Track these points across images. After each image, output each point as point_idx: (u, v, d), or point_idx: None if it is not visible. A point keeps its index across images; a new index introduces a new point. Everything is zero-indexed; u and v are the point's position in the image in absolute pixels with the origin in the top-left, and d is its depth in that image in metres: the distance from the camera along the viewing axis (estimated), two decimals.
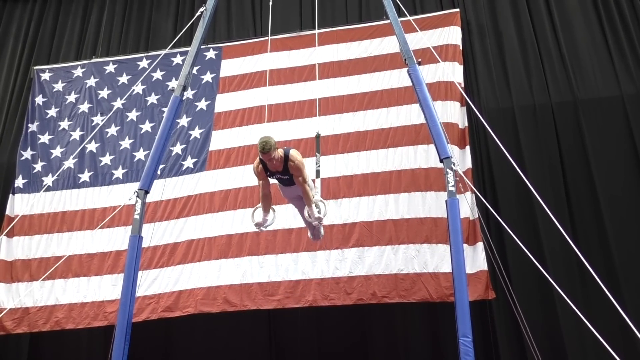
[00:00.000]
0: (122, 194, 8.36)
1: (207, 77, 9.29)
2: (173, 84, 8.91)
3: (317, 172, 5.95)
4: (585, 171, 7.76)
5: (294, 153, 5.33)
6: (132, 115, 9.28)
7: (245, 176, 8.19)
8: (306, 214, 5.59)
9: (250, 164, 8.25)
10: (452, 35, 8.57)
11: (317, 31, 7.81)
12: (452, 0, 9.22)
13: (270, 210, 5.64)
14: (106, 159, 9.01)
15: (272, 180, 5.56)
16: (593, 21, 8.59)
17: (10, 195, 8.95)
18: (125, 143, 9.07)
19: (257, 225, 5.62)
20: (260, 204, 5.62)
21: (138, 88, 9.24)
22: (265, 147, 5.10)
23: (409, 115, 8.15)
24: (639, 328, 4.60)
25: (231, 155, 8.52)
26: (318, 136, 6.21)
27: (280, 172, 5.36)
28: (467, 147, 7.83)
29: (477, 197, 7.07)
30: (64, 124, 9.45)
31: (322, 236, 6.20)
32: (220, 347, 8.37)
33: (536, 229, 7.46)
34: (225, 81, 9.22)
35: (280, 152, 5.24)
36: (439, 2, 9.32)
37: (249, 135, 8.51)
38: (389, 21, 6.30)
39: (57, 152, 9.23)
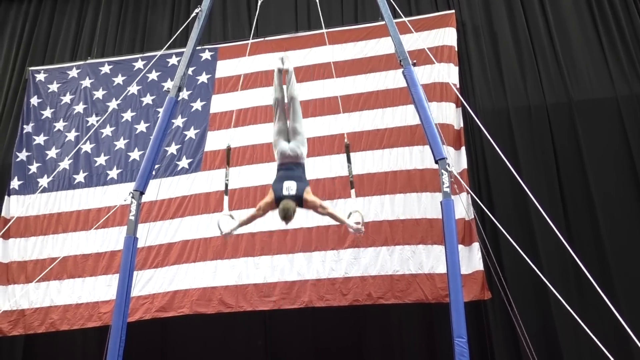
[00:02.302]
0: (117, 195, 8.34)
1: (203, 77, 9.29)
2: (168, 84, 8.92)
3: (351, 183, 5.93)
4: (579, 172, 7.78)
5: (307, 196, 5.43)
6: (127, 115, 9.26)
7: (240, 177, 8.19)
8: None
9: (245, 165, 8.33)
10: (447, 36, 8.58)
11: (317, 32, 7.81)
12: (447, 1, 9.24)
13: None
14: (101, 160, 8.99)
15: None
16: (587, 22, 8.63)
17: (6, 196, 8.91)
18: (120, 143, 9.06)
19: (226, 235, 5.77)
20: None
21: (133, 89, 9.22)
22: (287, 214, 5.31)
23: (405, 116, 8.16)
24: (632, 328, 4.62)
25: None
26: (347, 146, 6.17)
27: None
28: (463, 148, 7.85)
29: (472, 198, 7.08)
30: (59, 125, 9.42)
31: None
32: (216, 347, 8.35)
33: (531, 230, 7.48)
34: (220, 82, 9.21)
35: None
36: (434, 3, 9.35)
37: (244, 136, 8.52)
38: (384, 22, 6.31)
39: (52, 153, 9.21)
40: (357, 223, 5.60)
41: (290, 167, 5.61)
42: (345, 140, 6.16)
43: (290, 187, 5.38)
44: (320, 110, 8.43)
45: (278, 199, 5.39)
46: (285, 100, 5.88)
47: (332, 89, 8.62)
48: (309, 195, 5.44)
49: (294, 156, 5.65)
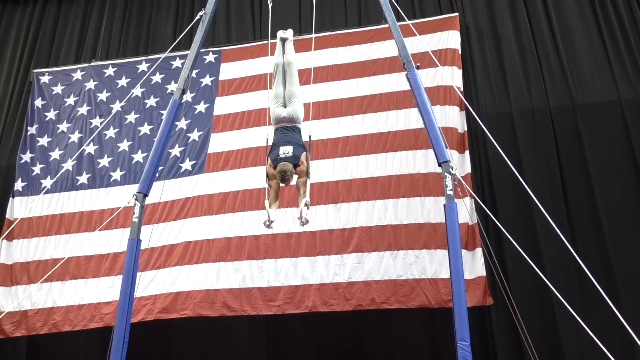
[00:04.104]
0: (120, 196, 8.36)
1: (207, 80, 9.30)
2: (172, 87, 8.91)
3: (308, 173, 5.88)
4: (583, 175, 7.76)
5: (304, 158, 5.66)
6: (131, 117, 9.28)
7: (244, 179, 8.20)
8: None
9: (249, 167, 8.33)
10: (451, 39, 8.57)
11: (313, 35, 7.81)
12: (451, 4, 9.23)
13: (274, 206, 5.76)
14: (104, 161, 9.01)
15: None
16: (591, 25, 8.62)
17: (10, 198, 8.93)
18: (124, 145, 9.07)
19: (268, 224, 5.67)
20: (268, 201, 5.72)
21: (137, 91, 9.25)
22: (285, 176, 5.51)
23: (408, 119, 8.14)
24: (636, 332, 4.60)
25: (230, 158, 8.51)
26: (309, 138, 6.17)
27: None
28: (467, 152, 7.82)
29: (476, 202, 7.06)
30: (63, 127, 9.45)
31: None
32: (218, 350, 8.34)
33: (535, 234, 7.45)
34: (224, 84, 9.23)
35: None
36: (437, 6, 9.34)
37: (247, 138, 8.52)
38: (387, 25, 6.31)
39: (55, 154, 9.23)
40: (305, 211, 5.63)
41: (287, 129, 5.84)
42: (309, 132, 6.12)
43: (286, 151, 5.64)
44: (324, 112, 8.42)
45: (275, 162, 5.64)
46: (284, 68, 6.18)
47: (335, 92, 8.64)
48: (304, 158, 5.68)
49: (289, 118, 5.89)
